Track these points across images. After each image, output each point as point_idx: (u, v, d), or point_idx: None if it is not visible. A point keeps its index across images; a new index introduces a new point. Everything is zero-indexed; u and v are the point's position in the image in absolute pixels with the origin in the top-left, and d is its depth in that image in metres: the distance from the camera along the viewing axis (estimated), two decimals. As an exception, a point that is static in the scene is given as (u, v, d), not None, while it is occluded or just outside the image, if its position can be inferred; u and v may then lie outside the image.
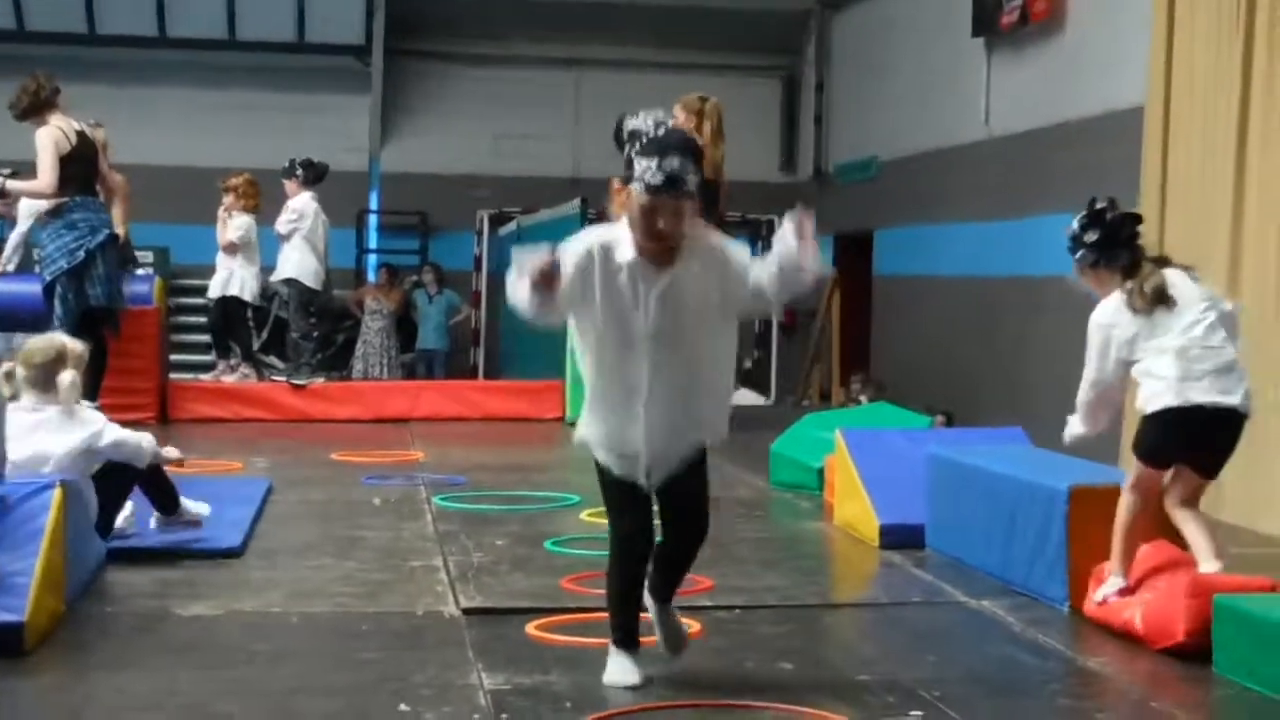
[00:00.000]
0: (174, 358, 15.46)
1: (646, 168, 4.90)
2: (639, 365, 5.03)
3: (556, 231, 16.52)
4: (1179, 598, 5.89)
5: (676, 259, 5.03)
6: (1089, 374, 6.38)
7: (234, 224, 14.22)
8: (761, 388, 18.83)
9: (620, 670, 5.21)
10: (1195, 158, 10.44)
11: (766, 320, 18.71)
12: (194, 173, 15.52)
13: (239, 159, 16.34)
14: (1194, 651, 5.77)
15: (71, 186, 11.20)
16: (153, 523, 7.52)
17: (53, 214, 11.30)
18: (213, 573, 7.12)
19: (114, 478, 7.22)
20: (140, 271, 15.14)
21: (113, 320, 11.71)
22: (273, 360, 15.40)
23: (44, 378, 7.08)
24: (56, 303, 11.22)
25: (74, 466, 6.95)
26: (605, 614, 5.37)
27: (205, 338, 15.79)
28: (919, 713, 5.08)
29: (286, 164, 14.28)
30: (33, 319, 11.77)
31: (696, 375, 5.11)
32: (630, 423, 5.07)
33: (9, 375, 7.08)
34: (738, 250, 5.19)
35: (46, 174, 11.09)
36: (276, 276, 14.33)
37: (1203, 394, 6.12)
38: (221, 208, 14.32)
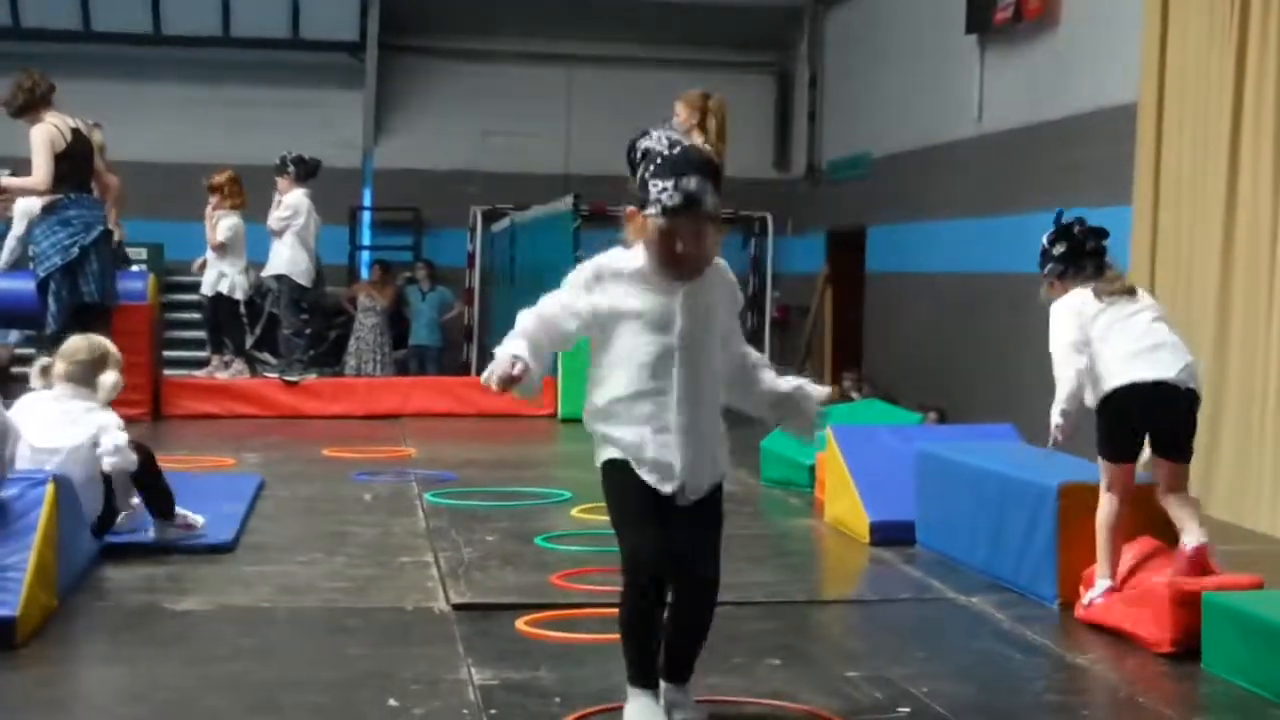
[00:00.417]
0: (167, 354, 15.46)
1: (663, 189, 4.62)
2: (666, 373, 4.70)
3: (550, 227, 16.51)
4: (1165, 607, 5.90)
5: (694, 276, 4.73)
6: (1060, 372, 6.49)
7: (222, 225, 14.24)
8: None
9: (643, 712, 4.72)
10: (1188, 154, 10.46)
11: (759, 317, 18.73)
12: (188, 169, 15.52)
13: (233, 155, 16.35)
14: (1183, 651, 5.79)
15: (66, 183, 11.19)
16: (151, 532, 7.51)
17: (47, 210, 11.30)
18: (203, 568, 7.13)
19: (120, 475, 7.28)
20: (134, 268, 15.15)
21: (105, 317, 11.69)
22: (266, 356, 15.40)
23: (84, 374, 7.25)
24: (50, 299, 11.22)
25: (82, 461, 7.01)
26: (595, 609, 5.36)
27: (198, 334, 15.81)
28: (906, 709, 5.09)
29: (278, 161, 14.30)
30: (25, 316, 11.78)
31: (711, 390, 4.81)
32: (661, 433, 4.70)
33: (45, 370, 7.30)
34: (739, 307, 4.98)
35: (41, 171, 11.08)
36: (267, 272, 14.36)
37: (1139, 371, 6.33)
38: (209, 207, 14.34)
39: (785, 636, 6.15)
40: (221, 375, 14.32)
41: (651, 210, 4.63)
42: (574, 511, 8.63)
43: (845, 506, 8.35)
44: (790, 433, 5.12)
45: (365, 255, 20.85)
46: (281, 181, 14.25)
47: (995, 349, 14.51)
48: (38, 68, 11.46)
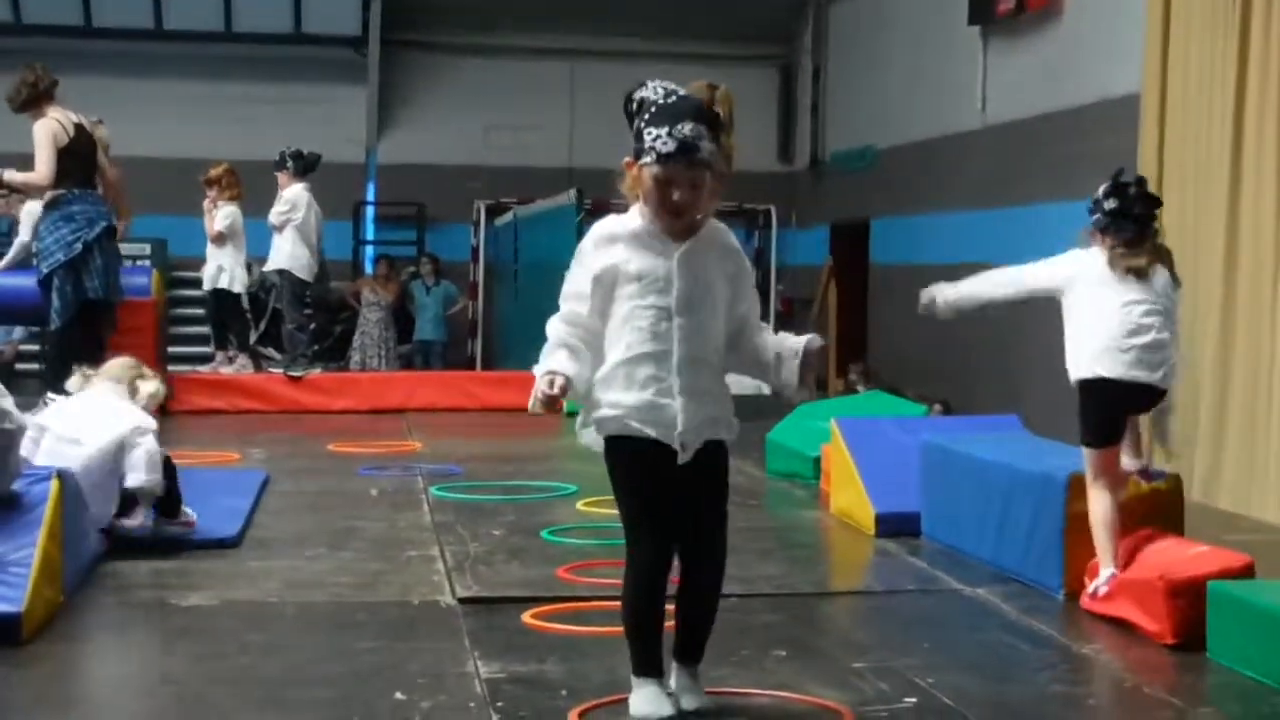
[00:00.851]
0: (172, 349, 15.46)
1: (657, 136, 4.59)
2: (668, 332, 4.66)
3: (553, 221, 16.51)
4: (1159, 600, 5.89)
5: (690, 235, 4.70)
6: (1030, 268, 6.77)
7: (220, 214, 14.28)
8: (758, 377, 18.80)
9: (648, 700, 4.69)
10: (1191, 145, 10.45)
11: (764, 309, 18.69)
12: (191, 164, 15.49)
13: (236, 151, 16.34)
14: (1187, 641, 5.79)
15: (69, 179, 11.18)
16: (142, 520, 7.52)
17: (50, 206, 11.29)
18: (209, 563, 7.14)
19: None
20: (130, 264, 15.15)
21: (110, 313, 11.69)
22: (270, 352, 15.42)
23: (127, 376, 7.58)
24: (54, 295, 11.21)
25: (108, 458, 7.08)
26: (601, 602, 5.36)
27: (203, 329, 15.81)
28: (913, 699, 5.09)
29: (278, 156, 14.34)
30: (28, 312, 11.78)
31: (712, 351, 4.76)
32: (663, 393, 4.66)
33: (86, 377, 7.55)
34: (750, 276, 4.93)
35: (44, 166, 11.08)
36: (269, 267, 14.40)
37: (1129, 368, 6.44)
38: (207, 200, 14.38)
39: (792, 628, 6.15)
40: (226, 370, 14.33)
41: (647, 159, 4.62)
42: (580, 505, 8.63)
43: (851, 498, 8.35)
44: (779, 390, 5.03)
45: (369, 250, 20.84)
46: (281, 177, 14.29)
47: (1000, 341, 14.49)
48: (40, 63, 11.46)
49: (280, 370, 14.37)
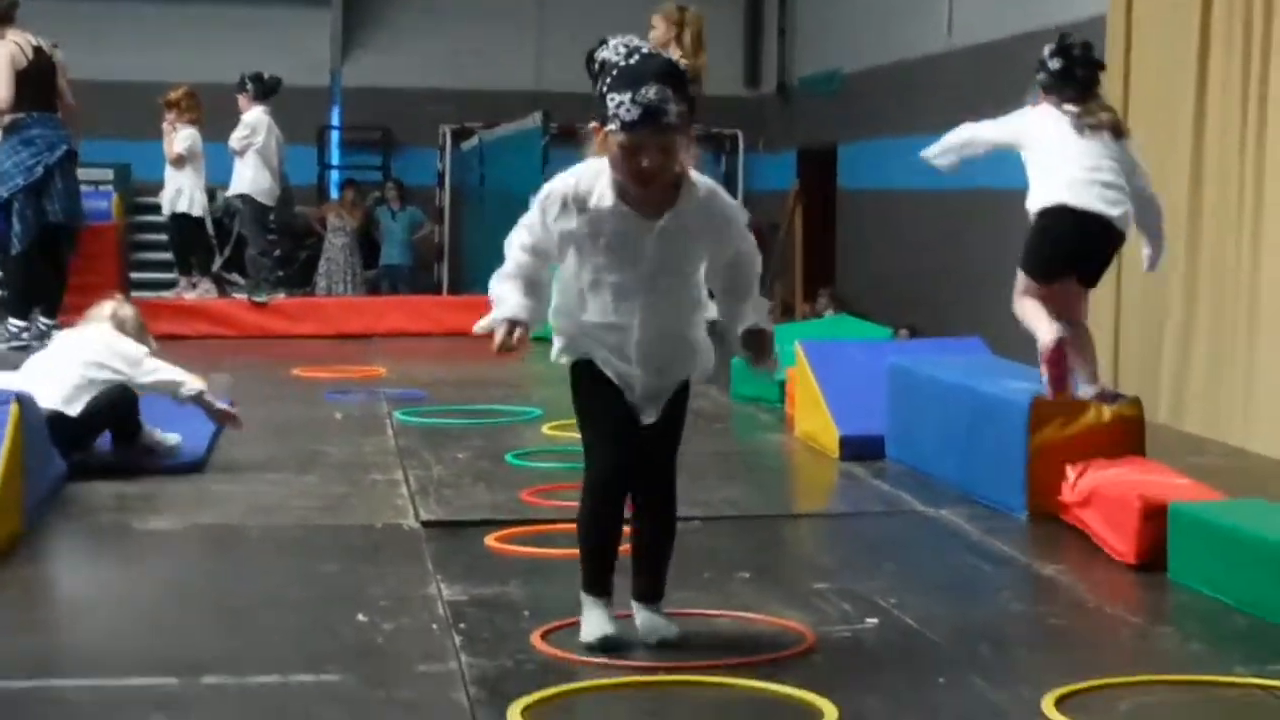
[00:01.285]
0: (136, 275, 15.39)
1: (620, 103, 4.38)
2: (630, 310, 4.58)
3: (519, 146, 16.40)
4: (1136, 520, 5.90)
5: (669, 206, 4.55)
6: (985, 123, 7.03)
7: (179, 137, 14.16)
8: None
9: (593, 622, 4.72)
10: (1157, 67, 10.44)
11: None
12: (154, 88, 15.33)
13: (199, 74, 16.20)
14: (1149, 562, 5.82)
15: (28, 103, 11.09)
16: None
17: (9, 130, 11.19)
18: (173, 487, 7.11)
19: (105, 409, 7.28)
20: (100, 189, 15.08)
21: (70, 237, 11.62)
22: (235, 278, 15.35)
23: (129, 329, 7.55)
24: (15, 220, 11.14)
25: (77, 376, 7.14)
26: (565, 525, 5.35)
27: (167, 255, 15.72)
28: (875, 620, 5.11)
29: (238, 79, 14.24)
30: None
31: (682, 318, 4.69)
32: (621, 361, 4.64)
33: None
34: (740, 217, 4.78)
35: (2, 89, 10.98)
36: (231, 192, 14.32)
37: (1091, 200, 6.64)
38: (166, 122, 14.27)
39: (755, 551, 6.17)
40: (189, 296, 14.28)
41: (612, 126, 4.45)
42: (545, 429, 8.62)
43: (815, 422, 8.35)
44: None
45: (334, 175, 20.75)
46: (241, 100, 14.19)
47: (967, 265, 14.52)
48: (-1, -14, 11.34)
49: (244, 295, 14.31)
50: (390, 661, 4.62)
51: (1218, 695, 4.49)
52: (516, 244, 4.67)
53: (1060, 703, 4.25)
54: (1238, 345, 9.33)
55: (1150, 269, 7.19)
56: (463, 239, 19.70)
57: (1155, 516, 5.83)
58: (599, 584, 4.77)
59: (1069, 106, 6.74)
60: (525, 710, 4.16)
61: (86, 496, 6.85)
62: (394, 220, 19.41)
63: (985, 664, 4.68)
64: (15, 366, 7.74)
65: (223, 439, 8.12)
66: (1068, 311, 6.83)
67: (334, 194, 20.20)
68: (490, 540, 6.06)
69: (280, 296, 14.43)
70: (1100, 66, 6.95)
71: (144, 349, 7.46)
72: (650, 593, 4.84)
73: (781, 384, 9.43)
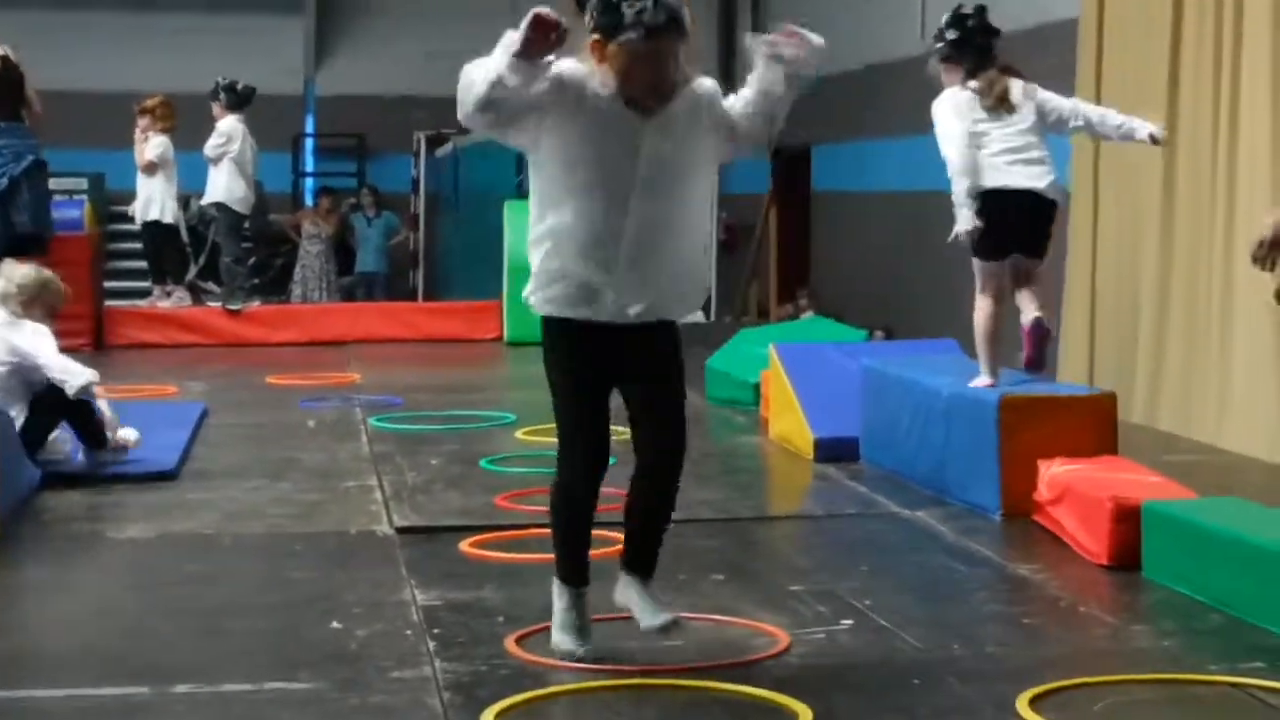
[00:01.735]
0: (110, 284, 15.33)
1: (641, 8, 4.25)
2: (618, 214, 4.39)
3: (494, 152, 16.43)
4: (1108, 522, 5.91)
5: (664, 105, 4.44)
6: (956, 163, 7.11)
7: (151, 144, 14.12)
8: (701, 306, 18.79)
9: (561, 632, 4.68)
10: (1130, 69, 10.44)
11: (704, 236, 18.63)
12: (128, 97, 15.27)
13: (174, 83, 16.13)
14: (1124, 560, 5.83)
15: (-5, 112, 11.04)
16: (80, 455, 7.48)
17: (-26, 140, 11.14)
18: (147, 495, 7.10)
19: (48, 402, 7.23)
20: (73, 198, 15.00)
21: (41, 248, 11.56)
22: (209, 286, 15.31)
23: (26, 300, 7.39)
24: (-18, 230, 11.08)
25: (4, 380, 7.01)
26: (539, 530, 5.34)
27: (141, 264, 15.67)
28: (850, 621, 5.11)
29: (212, 88, 14.21)
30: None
31: (675, 230, 4.51)
32: (601, 270, 4.41)
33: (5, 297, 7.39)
34: (718, 91, 4.74)
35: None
36: (205, 200, 14.28)
37: (1014, 178, 6.95)
38: (138, 129, 14.22)
39: (731, 553, 6.17)
40: (163, 305, 14.24)
41: (631, 34, 4.29)
42: (519, 434, 8.62)
43: (790, 424, 8.36)
44: (781, 92, 5.02)
45: (309, 182, 20.68)
46: (215, 109, 14.15)
47: (941, 266, 14.51)
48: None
49: (219, 303, 14.28)
50: (364, 667, 4.62)
51: (1192, 693, 4.50)
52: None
53: (1035, 702, 4.25)
54: (1211, 344, 9.33)
55: (1157, 142, 7.31)
56: (438, 245, 19.65)
57: (1127, 518, 5.84)
58: (576, 572, 4.70)
59: (972, 84, 7.05)
60: (500, 715, 4.16)
61: (59, 505, 6.84)
62: (369, 227, 19.36)
63: (960, 664, 4.69)
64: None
65: (198, 447, 8.10)
66: (1024, 280, 7.12)
67: (309, 201, 20.12)
68: (464, 545, 6.05)
69: (255, 304, 14.41)
70: (996, 33, 7.27)
71: (41, 337, 7.34)
72: (638, 562, 4.72)
73: (756, 386, 9.44)
